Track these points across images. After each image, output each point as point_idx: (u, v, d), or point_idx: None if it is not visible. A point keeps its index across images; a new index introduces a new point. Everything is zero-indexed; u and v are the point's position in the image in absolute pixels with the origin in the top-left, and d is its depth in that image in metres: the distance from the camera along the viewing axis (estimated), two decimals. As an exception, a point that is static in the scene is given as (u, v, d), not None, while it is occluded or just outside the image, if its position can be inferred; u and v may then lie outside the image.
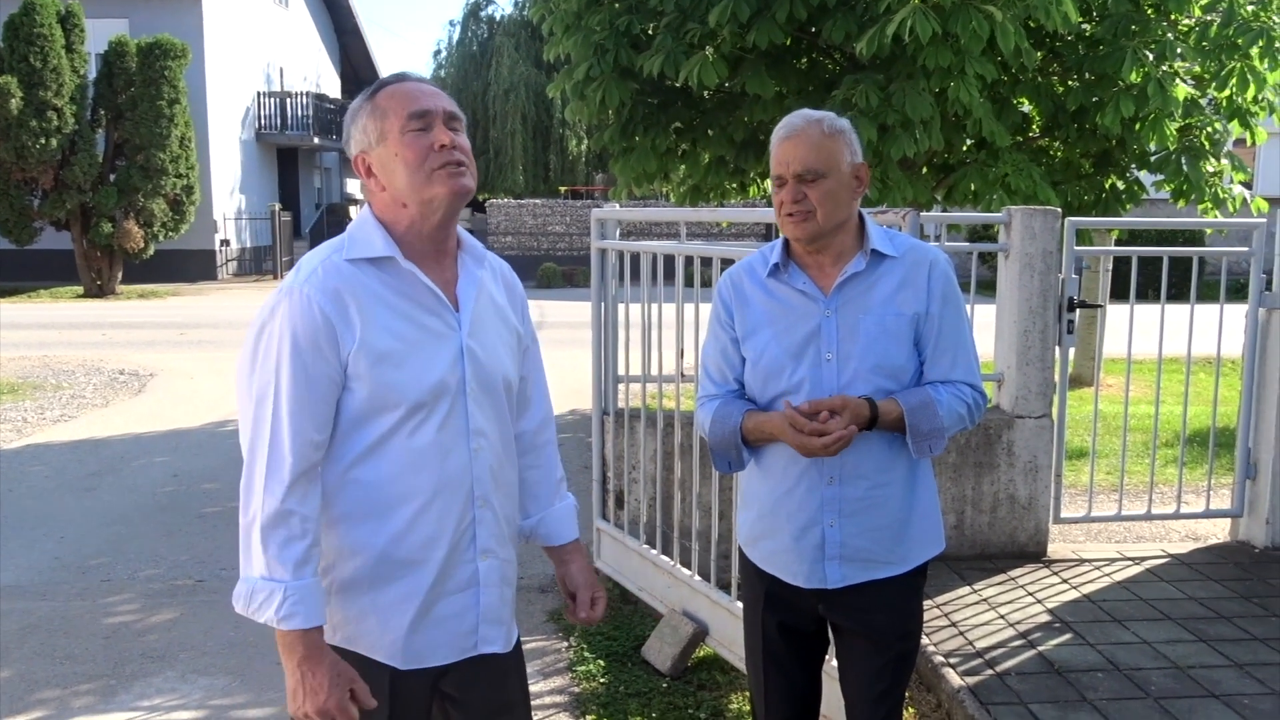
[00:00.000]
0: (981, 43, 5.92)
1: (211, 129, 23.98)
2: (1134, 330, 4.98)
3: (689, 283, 4.06)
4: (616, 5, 7.21)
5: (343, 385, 1.84)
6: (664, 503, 4.37)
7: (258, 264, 26.61)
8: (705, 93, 7.64)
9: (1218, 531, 5.24)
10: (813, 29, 7.06)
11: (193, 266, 24.07)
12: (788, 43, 6.95)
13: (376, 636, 1.90)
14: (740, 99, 7.51)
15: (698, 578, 4.01)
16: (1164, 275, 4.88)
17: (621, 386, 4.72)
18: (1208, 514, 5.16)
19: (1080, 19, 6.61)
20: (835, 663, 2.46)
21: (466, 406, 1.92)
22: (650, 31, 7.19)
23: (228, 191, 25.30)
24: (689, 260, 4.07)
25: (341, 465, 1.87)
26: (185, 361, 12.23)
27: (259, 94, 27.19)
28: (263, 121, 27.36)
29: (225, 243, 25.16)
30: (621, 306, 4.54)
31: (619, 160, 8.10)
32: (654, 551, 4.30)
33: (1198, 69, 7.16)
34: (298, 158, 29.46)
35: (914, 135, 6.34)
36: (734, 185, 8.69)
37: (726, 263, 3.77)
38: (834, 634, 2.43)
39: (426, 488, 1.88)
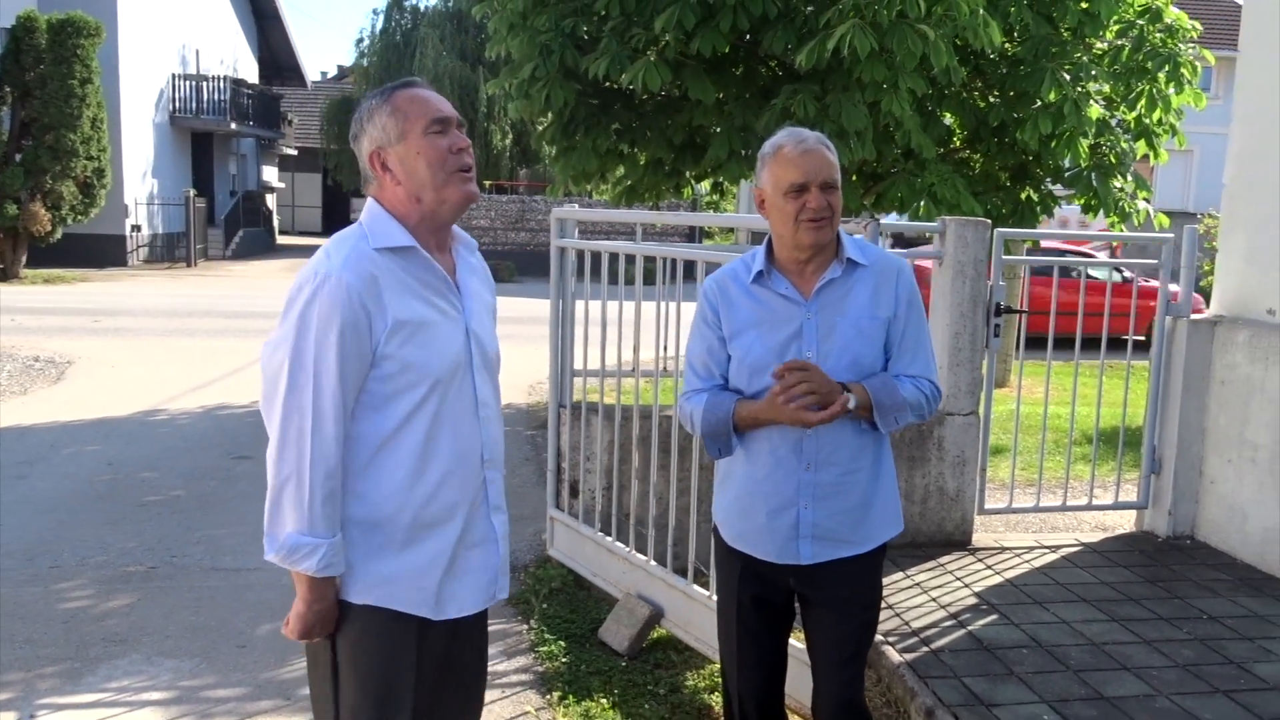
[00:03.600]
0: (915, 59, 6.24)
1: (124, 111, 23.32)
2: (1052, 335, 5.33)
3: (648, 280, 4.28)
4: (562, 6, 7.37)
5: (372, 364, 2.03)
6: (619, 492, 4.56)
7: (170, 251, 25.96)
8: (646, 95, 7.85)
9: (1125, 522, 5.63)
10: (749, 38, 7.32)
11: (102, 252, 23.38)
12: (727, 50, 7.20)
13: (410, 593, 2.11)
14: (679, 103, 7.73)
15: (653, 563, 4.22)
16: (1081, 286, 5.25)
17: (576, 380, 4.89)
18: (1116, 506, 5.55)
19: (1002, 38, 7.00)
20: (800, 645, 2.68)
21: (474, 380, 2.16)
22: (594, 34, 7.36)
23: (140, 175, 24.67)
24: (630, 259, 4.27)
25: (375, 441, 2.07)
26: (103, 349, 11.99)
27: (174, 76, 26.52)
28: (177, 104, 26.69)
29: (136, 228, 24.52)
30: (580, 303, 4.72)
31: (559, 159, 8.26)
32: (609, 538, 4.50)
33: (1107, 89, 7.62)
34: (213, 143, 28.82)
35: (849, 145, 6.64)
36: (669, 187, 8.92)
37: (688, 264, 3.99)
38: (802, 605, 2.67)
39: (447, 455, 2.11)
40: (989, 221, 4.98)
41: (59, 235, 20.62)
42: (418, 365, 2.05)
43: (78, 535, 5.47)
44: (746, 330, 2.52)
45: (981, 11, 6.33)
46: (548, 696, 3.73)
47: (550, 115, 7.84)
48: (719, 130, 7.50)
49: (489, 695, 3.69)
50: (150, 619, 4.40)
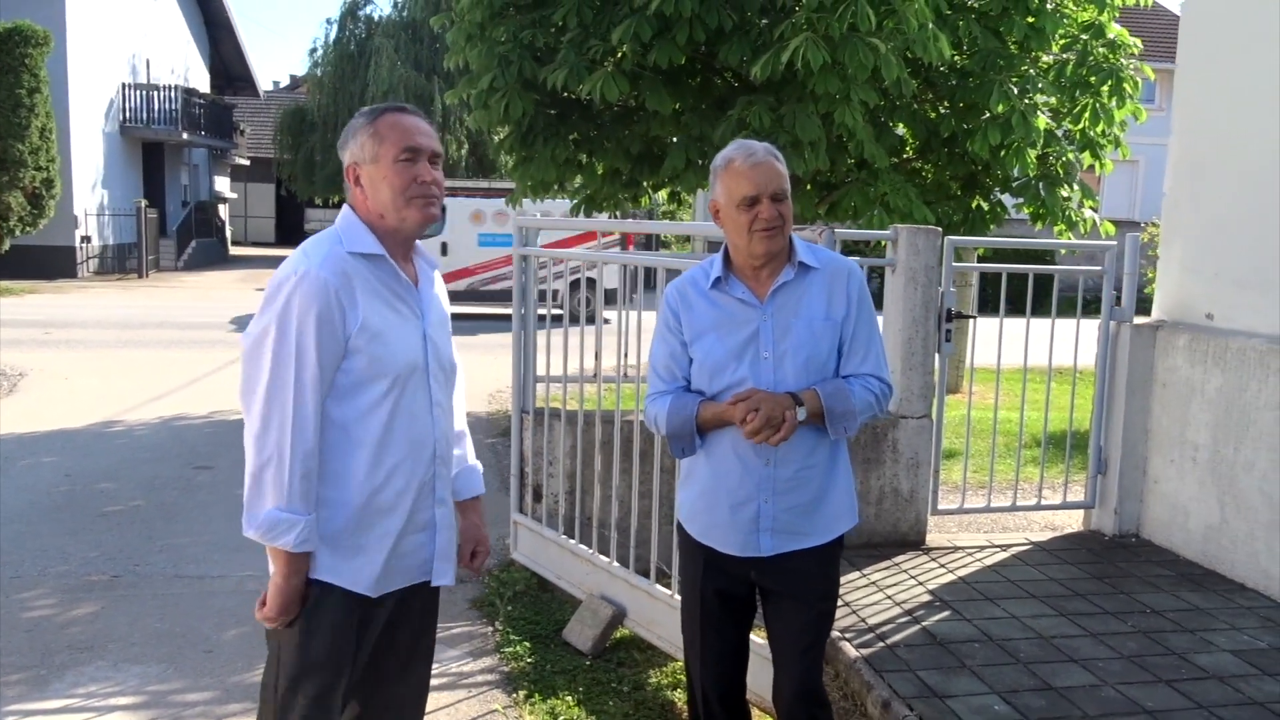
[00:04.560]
0: (867, 72, 6.39)
1: (73, 120, 23.01)
2: (1002, 341, 5.49)
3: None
4: (520, 18, 7.44)
5: (343, 355, 2.19)
6: (581, 496, 4.64)
7: (120, 262, 25.62)
8: (603, 106, 7.94)
9: (1072, 522, 5.80)
10: (705, 50, 7.44)
11: (51, 263, 23.00)
12: (684, 62, 7.32)
13: (357, 572, 2.26)
14: (637, 113, 7.83)
15: (616, 564, 4.29)
16: (1029, 291, 5.42)
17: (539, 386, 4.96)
18: (1064, 506, 5.72)
19: (952, 52, 7.19)
20: (761, 641, 2.77)
21: (429, 381, 2.34)
22: (552, 45, 7.44)
23: (89, 186, 24.32)
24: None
25: (340, 427, 2.22)
26: (55, 361, 11.85)
27: (124, 85, 26.18)
28: (128, 114, 26.35)
29: (86, 239, 24.16)
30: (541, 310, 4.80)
31: (517, 169, 8.32)
32: (573, 541, 4.57)
33: (1053, 102, 7.83)
34: (164, 153, 28.50)
35: (803, 155, 6.78)
36: (627, 196, 9.01)
37: (649, 270, 4.08)
38: (763, 597, 2.76)
39: (402, 447, 2.28)
40: (940, 229, 5.13)
41: (7, 247, 20.32)
42: (381, 361, 2.22)
43: (38, 545, 5.44)
44: (706, 334, 2.62)
45: (930, 25, 6.51)
46: (514, 695, 3.79)
47: (509, 125, 7.91)
48: (676, 140, 7.62)
49: (456, 695, 3.77)
50: (115, 626, 4.40)
